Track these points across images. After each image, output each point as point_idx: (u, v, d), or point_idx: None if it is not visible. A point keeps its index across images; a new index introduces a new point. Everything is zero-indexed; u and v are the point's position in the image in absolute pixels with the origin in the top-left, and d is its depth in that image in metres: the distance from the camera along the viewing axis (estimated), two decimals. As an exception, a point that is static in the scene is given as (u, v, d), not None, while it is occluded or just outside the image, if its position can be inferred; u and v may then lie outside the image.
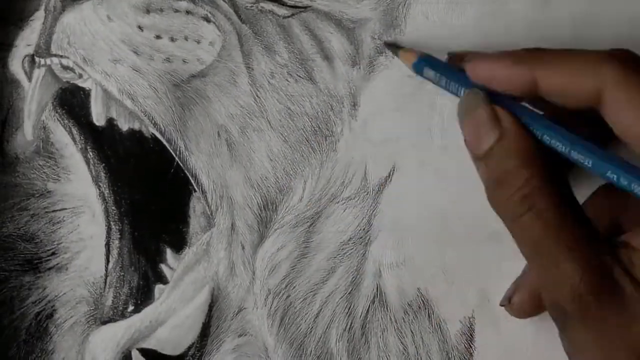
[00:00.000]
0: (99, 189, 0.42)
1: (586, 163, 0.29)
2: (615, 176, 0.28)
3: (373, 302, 0.39)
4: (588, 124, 0.31)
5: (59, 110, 0.43)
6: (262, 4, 0.41)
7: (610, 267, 0.27)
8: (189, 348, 0.40)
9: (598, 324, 0.27)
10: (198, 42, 0.41)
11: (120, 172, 0.42)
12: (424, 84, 0.37)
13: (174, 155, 0.40)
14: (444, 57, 0.36)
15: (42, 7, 0.43)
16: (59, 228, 0.42)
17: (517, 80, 0.30)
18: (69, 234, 0.42)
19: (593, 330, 0.27)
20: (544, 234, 0.28)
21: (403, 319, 0.38)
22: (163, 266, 0.41)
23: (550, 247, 0.27)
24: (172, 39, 0.41)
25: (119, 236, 0.42)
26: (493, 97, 0.31)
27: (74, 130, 0.42)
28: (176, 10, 0.41)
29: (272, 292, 0.39)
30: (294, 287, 0.39)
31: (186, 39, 0.41)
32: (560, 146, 0.29)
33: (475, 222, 0.37)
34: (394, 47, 0.38)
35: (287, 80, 0.41)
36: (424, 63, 0.36)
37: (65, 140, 0.43)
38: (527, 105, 0.32)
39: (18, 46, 0.43)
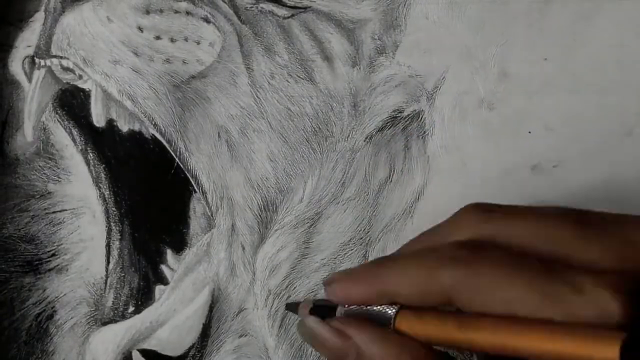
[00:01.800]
0: (100, 190, 0.42)
1: None
2: None
3: (373, 302, 0.39)
4: None
5: (59, 112, 0.43)
6: (262, 5, 0.41)
7: None
8: (190, 349, 0.40)
9: None
10: (198, 43, 0.41)
11: (121, 173, 0.42)
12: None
13: (174, 156, 0.40)
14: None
15: (42, 8, 0.43)
16: (60, 229, 0.42)
17: (374, 296, 0.29)
18: (70, 235, 0.42)
19: None
20: None
21: (404, 319, 0.38)
22: (163, 267, 0.41)
23: None
24: (172, 40, 0.41)
25: (119, 237, 0.42)
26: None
27: (74, 131, 0.42)
28: (176, 11, 0.41)
29: (273, 292, 0.39)
30: (295, 287, 0.39)
31: (186, 39, 0.41)
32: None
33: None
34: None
35: (287, 81, 0.41)
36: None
37: (66, 142, 0.43)
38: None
39: (18, 47, 0.43)
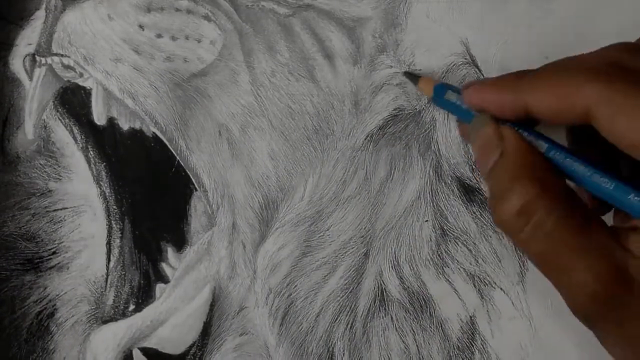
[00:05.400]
0: (100, 188, 0.42)
1: (607, 187, 0.28)
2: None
3: (374, 300, 0.39)
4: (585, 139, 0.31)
5: (59, 109, 0.43)
6: (262, 3, 0.41)
7: (624, 262, 0.26)
8: (190, 347, 0.40)
9: (620, 321, 0.26)
10: (199, 41, 0.41)
11: (121, 171, 0.42)
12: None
13: (175, 154, 0.40)
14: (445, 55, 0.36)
15: (43, 6, 0.43)
16: (60, 227, 0.42)
17: (508, 105, 0.30)
18: (70, 233, 0.42)
19: (617, 328, 0.26)
20: (546, 245, 0.27)
21: (404, 317, 0.38)
22: (164, 265, 0.41)
23: (556, 258, 0.27)
24: (173, 38, 0.41)
25: (120, 235, 0.42)
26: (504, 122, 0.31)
27: (75, 130, 0.42)
28: (177, 9, 0.41)
29: (274, 291, 0.39)
30: (295, 286, 0.39)
31: (187, 38, 0.41)
32: (576, 170, 0.29)
33: (476, 221, 0.37)
34: (413, 77, 0.38)
35: (288, 79, 0.41)
36: (441, 91, 0.36)
37: (66, 139, 0.43)
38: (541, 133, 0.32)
39: (19, 45, 0.43)
